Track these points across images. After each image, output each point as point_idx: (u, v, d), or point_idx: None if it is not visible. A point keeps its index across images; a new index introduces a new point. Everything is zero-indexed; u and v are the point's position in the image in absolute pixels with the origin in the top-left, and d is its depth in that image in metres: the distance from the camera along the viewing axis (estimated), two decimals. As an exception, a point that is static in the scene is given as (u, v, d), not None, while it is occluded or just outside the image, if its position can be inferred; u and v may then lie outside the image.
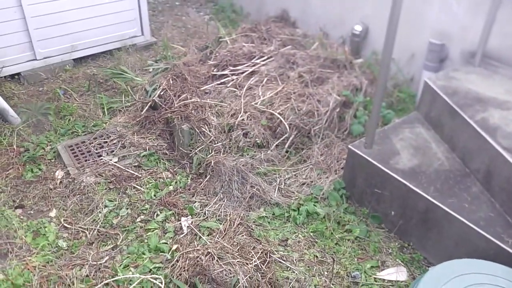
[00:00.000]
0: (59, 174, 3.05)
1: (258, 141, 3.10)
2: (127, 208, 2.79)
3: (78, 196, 2.87)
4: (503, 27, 3.12)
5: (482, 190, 2.50)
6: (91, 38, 4.35)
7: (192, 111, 3.20)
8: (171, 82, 3.52)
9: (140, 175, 3.04)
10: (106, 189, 2.92)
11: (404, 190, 2.52)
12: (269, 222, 2.74)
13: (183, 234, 2.61)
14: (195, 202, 2.85)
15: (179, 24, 5.35)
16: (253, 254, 2.40)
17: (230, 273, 2.25)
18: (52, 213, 2.76)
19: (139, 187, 2.94)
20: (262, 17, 4.95)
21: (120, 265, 2.42)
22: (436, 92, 2.94)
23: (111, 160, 3.13)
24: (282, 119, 3.17)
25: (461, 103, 2.80)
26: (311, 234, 2.68)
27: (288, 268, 2.45)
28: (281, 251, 2.55)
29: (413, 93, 3.73)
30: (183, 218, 2.72)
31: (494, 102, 2.84)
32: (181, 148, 3.16)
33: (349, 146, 2.79)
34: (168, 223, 2.70)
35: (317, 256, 2.53)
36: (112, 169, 3.06)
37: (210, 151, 3.04)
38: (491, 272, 1.83)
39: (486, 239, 2.21)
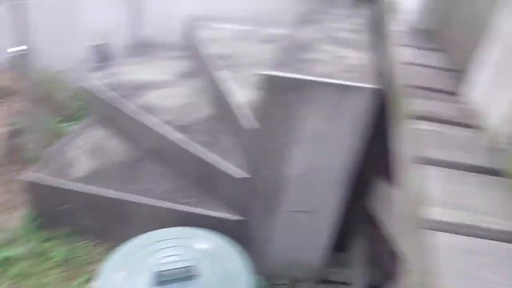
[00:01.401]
0: None
1: None
2: None
3: None
4: (152, 19, 3.43)
5: (159, 167, 2.65)
6: None
7: None
8: None
9: None
10: None
11: (86, 197, 2.48)
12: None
13: None
14: None
15: None
16: None
17: None
18: None
19: None
20: None
21: None
22: (100, 91, 2.98)
23: None
24: None
25: (124, 95, 2.91)
26: (15, 280, 2.42)
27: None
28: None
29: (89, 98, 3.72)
30: None
31: (153, 85, 3.05)
32: None
33: (22, 178, 2.58)
34: None
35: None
36: None
37: None
38: (160, 238, 1.96)
39: (169, 209, 2.37)
